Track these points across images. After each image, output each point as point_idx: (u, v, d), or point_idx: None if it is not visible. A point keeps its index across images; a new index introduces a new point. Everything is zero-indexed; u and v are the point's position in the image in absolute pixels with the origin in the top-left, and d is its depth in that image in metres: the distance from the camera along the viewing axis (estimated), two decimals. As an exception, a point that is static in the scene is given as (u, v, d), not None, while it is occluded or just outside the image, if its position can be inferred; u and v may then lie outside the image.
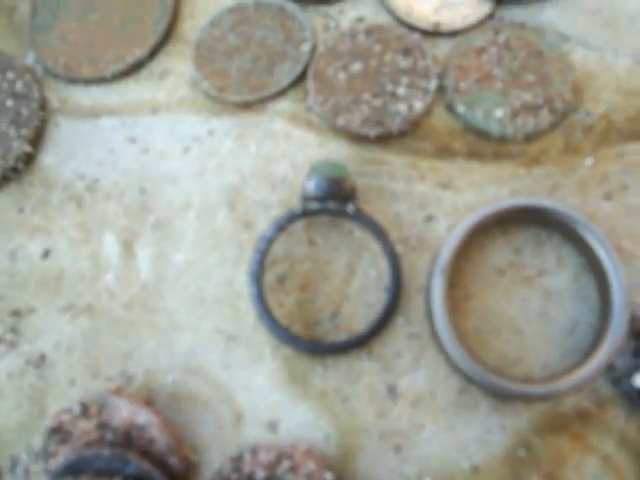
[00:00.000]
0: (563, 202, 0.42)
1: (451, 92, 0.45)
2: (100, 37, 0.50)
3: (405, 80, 0.45)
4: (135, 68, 0.49)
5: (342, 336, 0.41)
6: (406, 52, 0.46)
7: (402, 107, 0.44)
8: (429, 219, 0.43)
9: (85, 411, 0.39)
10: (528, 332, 0.40)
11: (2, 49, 0.51)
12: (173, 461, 0.39)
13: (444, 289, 0.39)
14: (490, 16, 0.47)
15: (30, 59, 0.51)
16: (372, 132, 0.44)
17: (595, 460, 0.38)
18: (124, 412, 0.39)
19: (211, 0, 0.51)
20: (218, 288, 0.43)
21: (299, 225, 0.43)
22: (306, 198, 0.41)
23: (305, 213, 0.41)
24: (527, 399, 0.38)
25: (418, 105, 0.44)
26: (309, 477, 0.37)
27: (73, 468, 0.38)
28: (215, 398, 0.41)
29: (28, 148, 0.47)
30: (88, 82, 0.49)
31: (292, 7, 0.49)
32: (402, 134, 0.44)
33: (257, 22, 0.49)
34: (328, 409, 0.40)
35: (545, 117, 0.43)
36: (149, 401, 0.40)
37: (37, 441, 0.41)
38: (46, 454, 0.39)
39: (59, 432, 0.39)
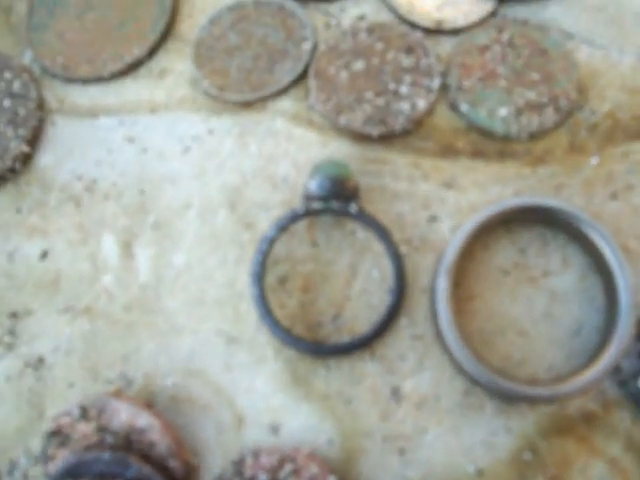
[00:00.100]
0: (568, 202, 0.42)
1: (454, 91, 0.44)
2: (98, 36, 0.50)
3: (408, 78, 0.44)
4: (133, 67, 0.49)
5: (345, 338, 0.40)
6: (408, 50, 0.45)
7: (405, 106, 0.43)
8: (433, 219, 0.42)
9: (85, 414, 0.39)
10: (533, 333, 0.40)
11: (-1, 49, 0.51)
12: (174, 465, 0.38)
13: (449, 289, 0.38)
14: (493, 14, 0.47)
15: (27, 58, 0.51)
16: (375, 131, 0.43)
17: (601, 463, 0.37)
18: (124, 415, 0.39)
19: (210, -1, 0.51)
20: (219, 289, 0.42)
21: (301, 225, 0.43)
22: (309, 197, 0.41)
23: (308, 213, 0.41)
24: (533, 401, 0.38)
25: (421, 104, 0.43)
26: (312, 480, 0.37)
27: (73, 472, 0.38)
28: (216, 401, 0.40)
29: (25, 148, 0.47)
30: (86, 81, 0.49)
31: (292, 5, 0.48)
32: (405, 133, 0.44)
33: (257, 20, 0.48)
34: (331, 412, 0.39)
35: (550, 116, 0.43)
36: (149, 404, 0.40)
37: (36, 445, 0.40)
38: (45, 457, 0.39)
39: (58, 435, 0.39)
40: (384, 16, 0.48)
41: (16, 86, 0.48)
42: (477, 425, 0.38)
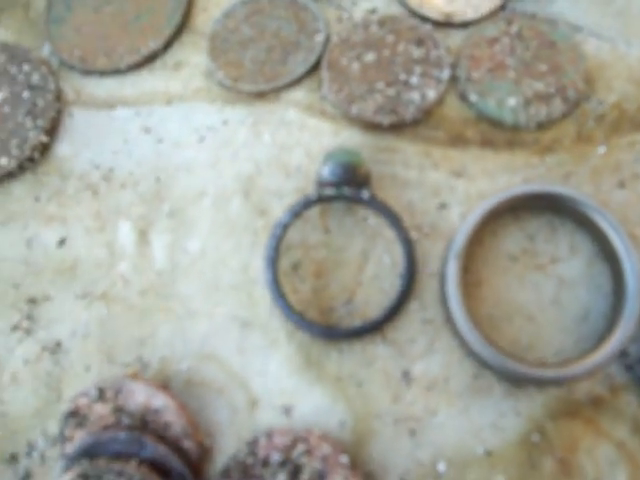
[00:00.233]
0: (576, 190, 0.42)
1: (464, 81, 0.45)
2: (114, 29, 0.51)
3: (418, 69, 0.45)
4: (149, 59, 0.50)
5: (356, 322, 0.41)
6: (419, 42, 0.46)
7: (415, 96, 0.44)
8: (442, 206, 0.43)
9: (102, 395, 0.40)
10: (541, 319, 0.40)
11: (18, 42, 0.52)
12: (188, 445, 0.39)
13: (458, 274, 0.39)
14: (502, 7, 0.48)
15: (46, 52, 0.52)
16: (386, 120, 0.44)
17: (608, 445, 0.38)
18: (140, 396, 0.39)
19: (224, -8, 0.52)
20: (233, 275, 0.43)
21: (314, 212, 0.43)
22: (321, 184, 0.42)
23: (320, 199, 0.41)
24: (541, 383, 0.38)
25: (431, 94, 0.44)
26: (324, 460, 0.37)
27: (90, 451, 0.38)
28: (230, 384, 0.41)
29: (44, 138, 0.48)
30: (103, 74, 0.50)
31: (305, -1, 0.49)
32: (415, 123, 0.45)
33: (271, 13, 0.49)
34: (343, 394, 0.40)
35: (557, 106, 0.43)
36: (165, 385, 0.41)
37: (53, 427, 0.41)
38: (63, 438, 0.39)
39: (76, 416, 0.40)
40: (395, 9, 0.49)
41: (35, 78, 0.49)
42: (486, 407, 0.39)
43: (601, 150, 0.43)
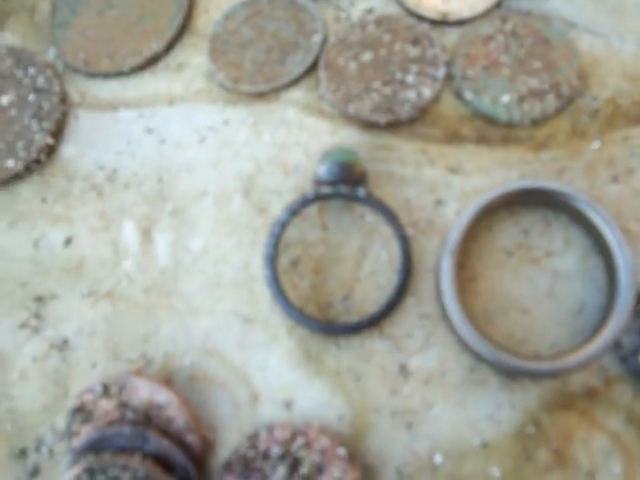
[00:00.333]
0: (570, 185, 0.43)
1: (459, 79, 0.46)
2: (118, 32, 0.52)
3: (414, 68, 0.46)
4: (152, 62, 0.51)
5: (354, 317, 0.42)
6: (415, 41, 0.47)
7: (411, 94, 0.45)
8: (439, 203, 0.44)
9: (106, 391, 0.41)
10: (536, 312, 0.41)
11: (24, 46, 0.53)
12: (191, 439, 0.40)
13: (453, 270, 0.40)
14: (497, 5, 0.48)
15: (51, 55, 0.53)
16: (382, 119, 0.45)
17: (603, 436, 0.38)
18: (144, 392, 0.40)
19: (226, -5, 0.53)
20: (234, 272, 0.44)
21: (312, 210, 0.44)
22: (318, 183, 0.42)
23: (318, 197, 0.42)
24: (535, 376, 0.39)
25: (427, 92, 0.45)
26: (323, 453, 0.38)
27: (95, 445, 0.39)
28: (232, 379, 0.42)
29: (50, 140, 0.49)
30: (107, 76, 0.51)
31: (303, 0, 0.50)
32: (412, 121, 0.46)
33: (270, 14, 0.50)
34: (341, 388, 0.41)
35: (551, 102, 0.44)
36: (168, 381, 0.42)
37: (61, 422, 0.42)
38: (70, 433, 0.41)
39: (82, 411, 0.41)
40: (392, 9, 0.50)
41: (40, 81, 0.50)
42: (482, 400, 0.40)
43: (595, 145, 0.44)
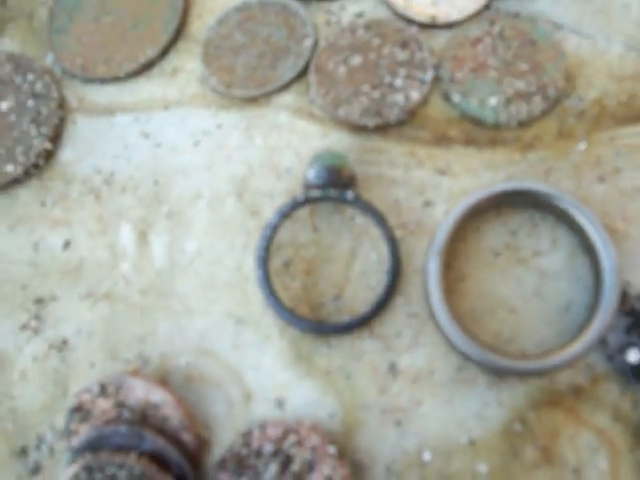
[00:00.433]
0: (557, 186, 0.43)
1: (447, 82, 0.46)
2: (114, 38, 0.53)
3: (402, 72, 0.46)
4: (147, 67, 0.52)
5: (345, 317, 0.42)
6: (404, 45, 0.47)
7: (399, 98, 0.46)
8: (427, 204, 0.44)
9: (103, 391, 0.42)
10: (523, 311, 0.41)
11: (23, 52, 0.54)
12: (186, 437, 0.41)
13: (440, 270, 0.40)
14: (486, 7, 0.49)
15: (49, 61, 0.54)
16: (371, 122, 0.46)
17: (589, 433, 0.39)
18: (139, 391, 0.41)
19: (219, 0, 0.54)
20: (228, 273, 0.45)
21: (303, 212, 0.45)
22: (308, 186, 0.43)
23: (307, 200, 0.43)
24: (521, 374, 0.40)
25: (415, 95, 0.46)
26: (313, 450, 0.39)
27: (93, 444, 0.40)
28: (226, 378, 0.43)
29: (48, 145, 0.50)
30: (103, 81, 0.52)
31: (295, 4, 0.51)
32: (400, 123, 0.46)
33: (262, 20, 0.51)
34: (332, 386, 0.41)
35: (538, 104, 0.44)
36: (163, 381, 0.43)
37: (60, 421, 0.43)
38: (68, 432, 0.42)
39: (80, 411, 0.42)
40: (381, 13, 0.50)
41: (38, 87, 0.51)
42: (470, 398, 0.40)
43: (582, 146, 0.44)
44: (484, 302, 0.42)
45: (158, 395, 0.41)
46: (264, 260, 0.43)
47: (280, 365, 0.42)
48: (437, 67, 0.47)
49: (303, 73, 0.49)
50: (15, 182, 0.49)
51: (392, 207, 0.44)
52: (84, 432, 0.41)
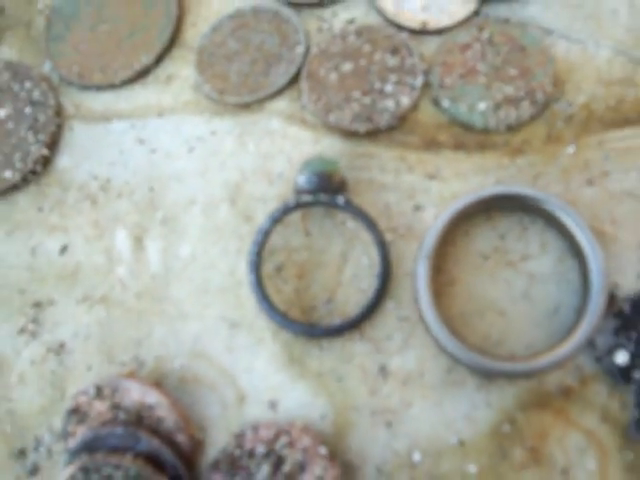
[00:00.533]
0: (546, 189, 0.44)
1: (437, 87, 0.47)
2: (110, 46, 0.53)
3: (393, 78, 0.47)
4: (142, 74, 0.52)
5: (336, 320, 0.43)
6: (394, 51, 0.48)
7: (390, 103, 0.46)
8: (417, 208, 0.45)
9: (99, 393, 0.42)
10: (512, 314, 0.42)
11: (21, 60, 0.55)
12: (181, 438, 0.41)
13: (428, 274, 0.41)
14: (476, 13, 0.49)
15: (47, 68, 0.55)
16: (362, 128, 0.46)
17: (578, 434, 0.39)
18: (135, 394, 0.42)
19: (212, 8, 0.54)
20: (221, 278, 0.45)
21: (295, 217, 0.46)
22: (299, 191, 0.44)
23: (299, 205, 0.44)
24: (510, 376, 0.40)
25: (405, 101, 0.46)
26: (305, 451, 0.40)
27: (89, 445, 0.41)
28: (220, 380, 0.43)
29: (45, 152, 0.50)
30: (100, 88, 0.53)
31: (287, 11, 0.51)
32: (390, 129, 0.47)
33: (255, 27, 0.51)
34: (324, 388, 0.42)
35: (526, 109, 0.45)
36: (158, 383, 0.43)
37: (58, 423, 0.43)
38: (66, 434, 0.42)
39: (77, 413, 0.42)
40: (373, 19, 0.51)
41: (36, 94, 0.52)
42: (459, 400, 0.40)
43: (570, 150, 0.45)
44: (473, 305, 0.42)
45: (153, 397, 0.42)
46: (256, 265, 0.43)
47: (273, 367, 0.43)
48: (427, 73, 0.47)
49: (295, 79, 0.49)
50: (13, 188, 0.50)
51: (383, 211, 0.45)
52: (81, 434, 0.42)
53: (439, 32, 0.49)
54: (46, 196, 0.50)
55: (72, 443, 0.42)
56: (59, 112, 0.52)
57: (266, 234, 0.43)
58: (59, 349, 0.46)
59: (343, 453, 0.41)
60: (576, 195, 0.44)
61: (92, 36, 0.54)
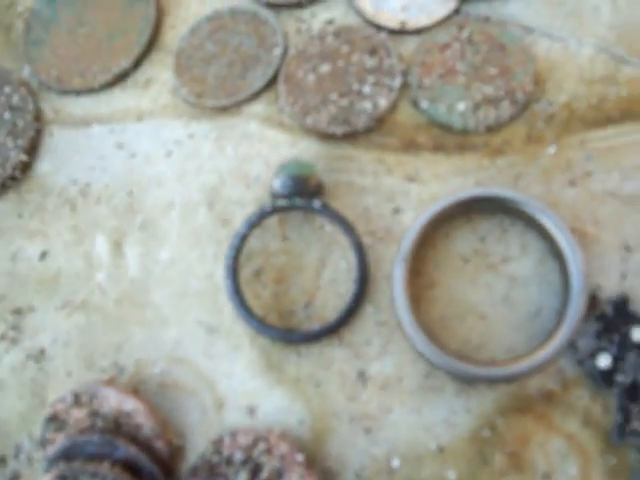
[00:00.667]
0: (527, 190, 0.43)
1: (415, 88, 0.46)
2: (88, 50, 0.53)
3: (371, 79, 0.47)
4: (121, 78, 0.52)
5: (315, 325, 0.43)
6: (372, 52, 0.47)
7: (367, 105, 0.46)
8: (397, 211, 0.44)
9: (77, 400, 0.42)
10: (493, 317, 0.41)
11: (0, 65, 0.55)
12: (159, 445, 0.41)
13: (405, 277, 0.41)
14: (456, 12, 0.49)
15: (26, 73, 0.55)
16: (339, 130, 0.46)
17: (559, 438, 0.39)
18: (113, 401, 0.42)
19: (191, 10, 0.54)
20: (199, 283, 0.45)
21: (273, 221, 0.45)
22: (274, 196, 0.43)
23: (274, 210, 0.43)
24: (488, 381, 0.40)
25: (382, 102, 0.46)
26: (282, 458, 0.39)
27: (68, 453, 0.41)
28: (199, 386, 0.43)
29: (25, 157, 0.50)
30: (79, 93, 0.52)
31: (265, 13, 0.51)
32: (369, 131, 0.46)
33: (233, 29, 0.51)
34: (302, 394, 0.42)
35: (506, 109, 0.44)
36: (135, 390, 0.43)
37: (38, 430, 0.43)
38: (44, 441, 0.42)
39: (55, 420, 0.42)
40: (352, 19, 0.50)
41: (15, 99, 0.52)
42: (438, 405, 0.40)
43: (551, 150, 0.44)
44: (454, 308, 0.42)
45: (130, 404, 0.42)
46: (233, 270, 0.43)
47: (251, 373, 0.43)
48: (405, 73, 0.47)
49: (273, 82, 0.49)
50: (-8, 194, 0.50)
51: (361, 214, 0.44)
52: (59, 441, 0.42)
53: (418, 32, 0.48)
54: (26, 202, 0.50)
55: (50, 451, 0.42)
56: (38, 117, 0.52)
57: (243, 239, 0.43)
58: (39, 355, 0.45)
59: (322, 459, 0.40)
60: (558, 196, 0.43)
61: (71, 40, 0.54)
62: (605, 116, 0.45)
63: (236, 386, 0.43)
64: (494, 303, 0.42)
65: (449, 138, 0.46)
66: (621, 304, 0.40)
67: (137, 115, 0.51)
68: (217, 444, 0.41)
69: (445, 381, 0.41)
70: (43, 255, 0.48)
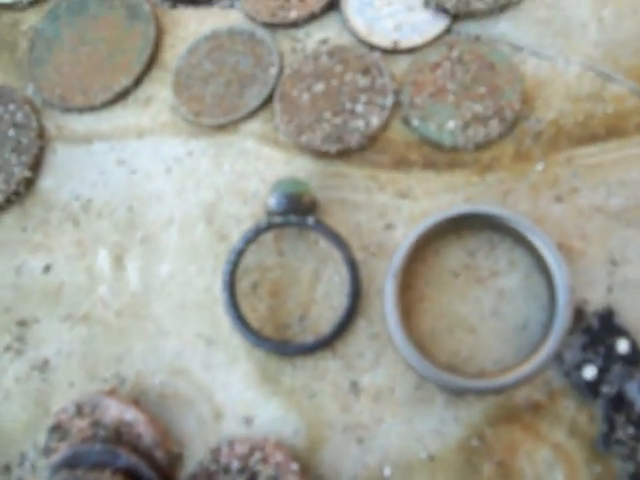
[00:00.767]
0: (515, 206, 0.44)
1: (407, 107, 0.47)
2: (90, 68, 0.54)
3: (363, 98, 0.48)
4: (122, 96, 0.53)
5: (309, 338, 0.44)
6: (365, 71, 0.48)
7: (360, 123, 0.47)
8: (388, 227, 0.46)
9: (79, 411, 0.43)
10: (481, 330, 0.42)
11: (5, 83, 0.56)
12: (159, 454, 0.42)
13: (396, 292, 0.42)
14: (447, 31, 0.50)
15: (30, 91, 0.56)
16: (333, 148, 0.47)
17: (546, 448, 0.40)
18: (114, 411, 0.43)
19: (190, 29, 0.55)
20: (198, 296, 0.46)
21: (269, 237, 0.46)
22: (270, 213, 0.45)
23: (270, 226, 0.45)
24: (476, 392, 0.41)
25: (375, 121, 0.47)
26: (277, 467, 0.41)
27: (70, 462, 0.42)
28: (197, 397, 0.44)
29: (28, 173, 0.51)
30: (81, 111, 0.53)
31: (262, 33, 0.52)
32: (361, 148, 0.48)
33: (230, 48, 0.52)
34: (297, 405, 0.43)
35: (495, 127, 0.45)
36: (136, 400, 0.44)
37: (42, 439, 0.44)
38: (48, 450, 0.43)
39: (58, 430, 0.43)
40: (345, 39, 0.52)
41: (19, 117, 0.53)
42: (428, 415, 0.41)
43: (539, 167, 0.45)
44: (443, 322, 0.43)
45: (131, 414, 0.43)
46: (230, 284, 0.44)
47: (247, 385, 0.44)
48: (397, 92, 0.48)
49: (269, 100, 0.50)
50: (-2, 209, 0.52)
51: (354, 230, 0.46)
52: (61, 450, 0.43)
53: (410, 51, 0.49)
54: (30, 216, 0.51)
55: (54, 459, 0.43)
56: (42, 134, 0.53)
57: (239, 254, 0.44)
58: (43, 366, 0.47)
59: (316, 468, 0.41)
60: (545, 212, 0.44)
61: (73, 58, 0.55)
62: (591, 133, 0.46)
63: (234, 397, 0.44)
64: (483, 316, 0.43)
65: (439, 155, 0.47)
66: (606, 317, 0.41)
67: (137, 132, 0.52)
68: (215, 453, 0.42)
69: (435, 392, 0.42)
70: (47, 268, 0.49)
